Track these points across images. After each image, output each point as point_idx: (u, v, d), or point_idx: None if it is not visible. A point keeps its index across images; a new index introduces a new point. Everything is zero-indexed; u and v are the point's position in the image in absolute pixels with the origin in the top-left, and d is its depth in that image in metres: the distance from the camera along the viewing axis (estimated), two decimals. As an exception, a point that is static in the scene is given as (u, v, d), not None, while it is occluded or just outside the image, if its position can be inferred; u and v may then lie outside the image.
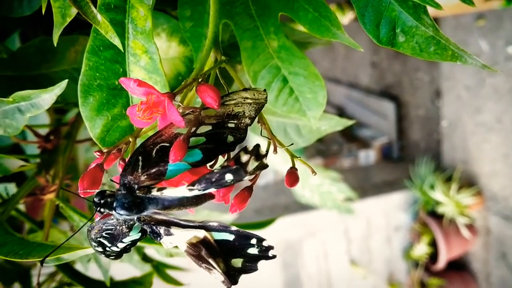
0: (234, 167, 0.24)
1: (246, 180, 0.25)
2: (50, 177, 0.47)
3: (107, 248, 0.28)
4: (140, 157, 0.25)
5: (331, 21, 0.32)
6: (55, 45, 0.29)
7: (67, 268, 0.45)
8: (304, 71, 0.36)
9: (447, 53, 0.30)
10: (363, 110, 2.74)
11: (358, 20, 0.31)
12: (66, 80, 0.30)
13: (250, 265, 0.26)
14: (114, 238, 0.27)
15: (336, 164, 2.49)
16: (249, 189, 0.29)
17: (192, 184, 0.24)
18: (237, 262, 0.26)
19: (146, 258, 0.56)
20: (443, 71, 2.13)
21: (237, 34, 0.35)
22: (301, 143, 0.52)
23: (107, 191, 0.26)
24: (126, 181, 0.26)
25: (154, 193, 0.25)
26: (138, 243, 0.29)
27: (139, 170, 0.25)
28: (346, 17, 1.75)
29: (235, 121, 0.27)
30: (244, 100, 0.27)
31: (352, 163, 2.53)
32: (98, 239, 0.27)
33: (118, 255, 0.30)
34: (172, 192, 0.25)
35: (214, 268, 0.25)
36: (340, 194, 1.22)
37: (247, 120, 0.27)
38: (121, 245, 0.28)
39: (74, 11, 0.28)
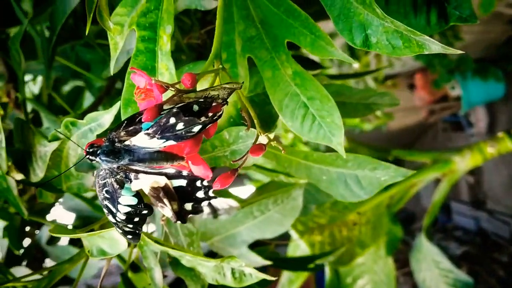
0: (175, 110, 0.30)
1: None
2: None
3: (116, 217, 0.35)
4: (125, 121, 0.33)
5: (325, 41, 0.38)
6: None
7: None
8: (317, 94, 0.41)
9: (413, 45, 0.33)
10: None
11: (336, 28, 0.36)
12: (119, 102, 0.41)
13: (197, 206, 0.31)
14: (112, 197, 0.34)
15: None
16: (233, 171, 0.34)
17: (147, 129, 0.31)
18: (188, 206, 0.32)
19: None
20: None
21: (259, 66, 0.42)
22: (363, 195, 0.53)
23: (96, 144, 0.33)
24: (110, 136, 0.33)
25: (127, 141, 0.32)
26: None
27: (121, 129, 0.33)
28: None
29: (209, 101, 0.33)
30: (223, 88, 0.33)
31: None
32: (103, 200, 0.34)
33: (133, 232, 0.36)
34: (136, 141, 0.32)
35: (166, 206, 0.31)
36: None
37: (219, 100, 0.33)
38: (122, 209, 0.34)
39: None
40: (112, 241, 0.38)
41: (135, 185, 0.32)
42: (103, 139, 0.33)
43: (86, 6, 0.35)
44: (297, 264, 0.89)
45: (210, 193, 0.31)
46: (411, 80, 2.73)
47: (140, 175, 0.32)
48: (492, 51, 2.48)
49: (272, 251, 0.81)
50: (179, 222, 0.31)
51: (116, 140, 0.33)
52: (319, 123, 0.42)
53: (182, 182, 0.32)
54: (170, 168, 0.32)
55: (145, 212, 0.34)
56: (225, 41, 0.43)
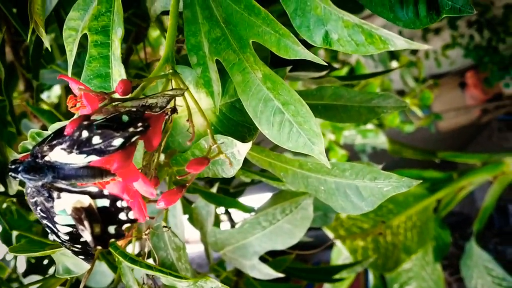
0: (86, 123, 0.27)
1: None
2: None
3: (60, 237, 0.32)
4: (52, 134, 0.30)
5: (290, 39, 0.34)
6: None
7: None
8: (290, 98, 0.37)
9: (376, 40, 0.29)
10: None
11: (293, 25, 0.32)
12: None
13: (120, 229, 0.28)
14: (48, 217, 0.31)
15: None
16: (181, 187, 0.31)
17: (62, 144, 0.28)
18: (111, 229, 0.28)
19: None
20: None
21: (228, 69, 0.38)
22: (365, 207, 0.48)
23: (19, 160, 0.31)
24: (34, 151, 0.30)
25: (47, 157, 0.29)
26: None
27: (45, 143, 0.30)
28: None
29: (148, 111, 0.30)
30: (162, 96, 0.30)
31: None
32: (41, 219, 0.32)
33: (83, 252, 0.33)
34: (56, 157, 0.29)
35: (86, 229, 0.28)
36: None
37: (157, 109, 0.30)
38: (62, 229, 0.31)
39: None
40: (75, 259, 0.36)
41: (57, 205, 0.30)
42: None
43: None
44: (318, 275, 0.84)
45: (131, 216, 0.28)
46: (463, 79, 2.60)
47: (62, 194, 0.29)
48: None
49: (293, 261, 0.77)
50: (100, 247, 0.28)
51: (39, 155, 0.30)
52: (297, 130, 0.38)
53: (105, 202, 0.29)
54: (92, 186, 0.29)
55: (86, 236, 0.32)
56: (194, 43, 0.39)
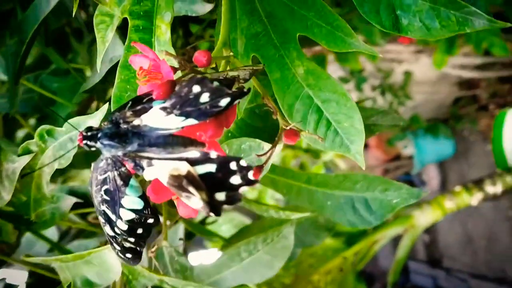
0: (200, 76, 0.25)
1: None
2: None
3: (116, 227, 0.28)
4: (129, 102, 0.27)
5: (344, 32, 0.34)
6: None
7: None
8: (333, 94, 0.36)
9: (452, 22, 0.30)
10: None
11: (359, 11, 0.33)
12: (107, 104, 0.35)
13: (234, 194, 0.24)
14: (113, 199, 0.27)
15: None
16: (259, 167, 0.28)
17: (164, 103, 0.25)
18: (221, 196, 0.24)
19: None
20: None
21: (266, 66, 0.37)
22: (373, 220, 0.48)
23: (94, 127, 0.27)
24: (113, 117, 0.27)
25: (135, 121, 0.26)
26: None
27: (126, 108, 0.27)
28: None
29: (231, 78, 0.28)
30: (243, 69, 0.28)
31: None
32: (101, 204, 0.28)
33: (133, 249, 0.29)
34: (149, 119, 0.26)
35: (194, 195, 0.24)
36: None
37: (242, 81, 0.28)
38: (124, 215, 0.28)
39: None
40: (102, 267, 0.31)
41: (149, 174, 0.26)
42: (103, 124, 0.27)
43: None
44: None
45: (250, 176, 0.24)
46: (365, 140, 2.77)
47: (155, 162, 0.26)
48: (442, 110, 2.58)
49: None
50: (212, 214, 0.24)
51: (121, 121, 0.26)
52: (335, 130, 0.37)
53: (211, 168, 0.25)
54: (193, 152, 0.26)
55: (150, 221, 0.28)
56: (226, 41, 0.38)
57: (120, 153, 0.27)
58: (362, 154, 0.38)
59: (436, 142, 2.61)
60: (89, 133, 0.27)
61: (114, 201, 0.27)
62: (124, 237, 0.28)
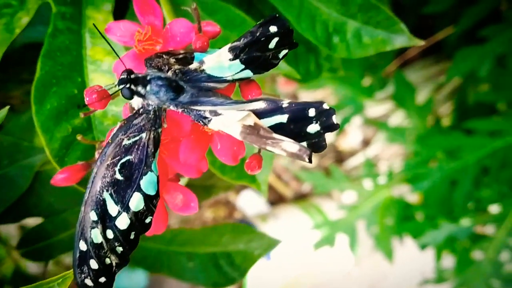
0: (276, 14, 0.23)
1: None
2: None
3: (110, 228, 0.21)
4: (163, 54, 0.23)
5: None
6: None
7: None
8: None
9: (377, 39, 0.33)
10: None
11: (295, 28, 0.34)
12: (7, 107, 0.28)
13: (317, 141, 0.21)
14: (129, 178, 0.21)
15: None
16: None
17: (235, 42, 0.23)
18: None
19: None
20: None
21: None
22: (237, 276, 0.46)
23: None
24: (153, 63, 0.22)
25: (193, 65, 0.22)
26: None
27: (164, 56, 0.23)
28: None
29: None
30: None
31: None
32: (104, 192, 0.21)
33: (110, 272, 0.21)
34: (213, 62, 0.22)
35: (282, 140, 0.20)
36: None
37: None
38: (134, 204, 0.21)
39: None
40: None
41: (216, 124, 0.21)
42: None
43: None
44: None
45: (334, 119, 0.21)
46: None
47: (221, 111, 0.21)
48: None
49: None
50: (307, 159, 0.19)
51: (166, 68, 0.22)
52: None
53: (281, 118, 0.21)
54: (260, 102, 0.22)
55: (148, 220, 0.22)
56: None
57: (168, 104, 0.22)
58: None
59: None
60: (132, 76, 0.21)
61: (129, 182, 0.21)
62: (114, 245, 0.21)
